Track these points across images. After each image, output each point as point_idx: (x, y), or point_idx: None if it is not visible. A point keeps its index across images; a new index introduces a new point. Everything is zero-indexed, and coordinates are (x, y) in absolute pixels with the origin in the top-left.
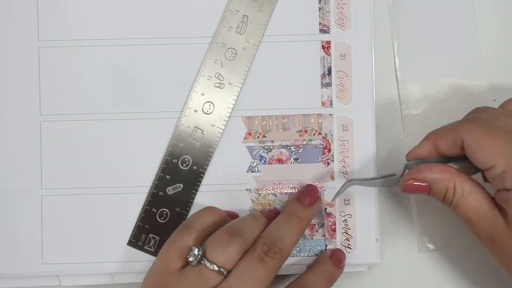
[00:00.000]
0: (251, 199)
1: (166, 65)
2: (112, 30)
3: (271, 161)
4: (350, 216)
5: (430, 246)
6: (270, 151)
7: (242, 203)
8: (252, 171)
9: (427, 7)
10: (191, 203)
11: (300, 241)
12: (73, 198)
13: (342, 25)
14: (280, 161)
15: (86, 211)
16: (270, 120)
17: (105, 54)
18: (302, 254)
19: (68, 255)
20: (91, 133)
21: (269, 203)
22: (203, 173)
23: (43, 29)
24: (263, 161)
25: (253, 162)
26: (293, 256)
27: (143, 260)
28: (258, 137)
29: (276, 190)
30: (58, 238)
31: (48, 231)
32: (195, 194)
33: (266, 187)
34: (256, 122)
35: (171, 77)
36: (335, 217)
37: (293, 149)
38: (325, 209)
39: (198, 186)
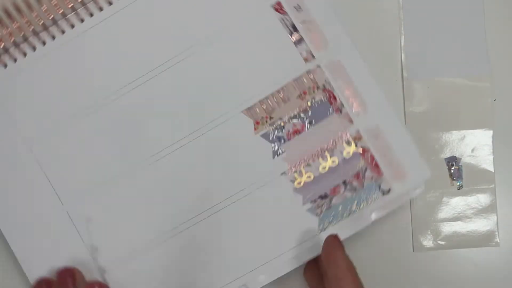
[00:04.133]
0: (291, 180)
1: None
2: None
3: (289, 136)
4: (385, 146)
5: (426, 244)
6: (284, 128)
7: (282, 190)
8: (277, 155)
9: (437, 6)
10: None
11: (353, 195)
12: None
13: None
14: (297, 132)
15: None
16: (268, 100)
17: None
18: (362, 204)
19: None
20: None
21: (308, 176)
22: None
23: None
24: (282, 141)
25: (274, 146)
26: (354, 214)
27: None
28: (266, 121)
29: (308, 160)
30: None
31: None
32: None
33: (299, 162)
34: (257, 109)
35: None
36: (369, 149)
37: (302, 115)
38: (356, 144)
39: None
